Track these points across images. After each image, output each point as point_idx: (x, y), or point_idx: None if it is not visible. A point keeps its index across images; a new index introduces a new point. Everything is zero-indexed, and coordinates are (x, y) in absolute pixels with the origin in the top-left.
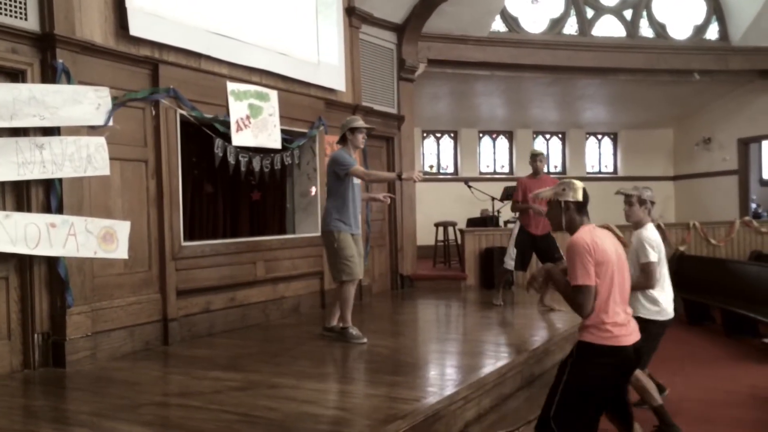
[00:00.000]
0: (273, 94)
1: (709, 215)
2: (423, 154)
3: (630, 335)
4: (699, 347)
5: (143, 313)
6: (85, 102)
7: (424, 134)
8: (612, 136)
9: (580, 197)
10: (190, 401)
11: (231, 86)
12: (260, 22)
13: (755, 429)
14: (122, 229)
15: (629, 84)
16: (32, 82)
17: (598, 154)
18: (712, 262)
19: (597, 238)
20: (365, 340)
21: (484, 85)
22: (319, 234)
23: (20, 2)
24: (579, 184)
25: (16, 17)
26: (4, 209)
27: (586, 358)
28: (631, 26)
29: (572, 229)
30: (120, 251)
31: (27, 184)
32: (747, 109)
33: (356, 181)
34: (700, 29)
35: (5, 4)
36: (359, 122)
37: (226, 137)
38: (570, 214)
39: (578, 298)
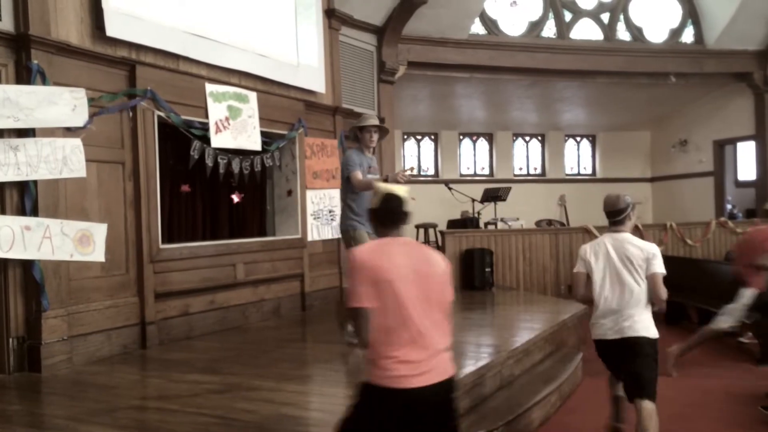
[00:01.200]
0: (252, 96)
1: (686, 216)
2: (403, 156)
3: (423, 375)
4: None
5: (120, 316)
6: (61, 103)
7: (405, 136)
8: (590, 138)
9: (374, 204)
10: (167, 404)
11: (209, 87)
12: (239, 23)
13: (731, 427)
14: (99, 231)
15: (607, 86)
16: (6, 83)
17: (577, 156)
18: (688, 263)
19: (375, 253)
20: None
21: (464, 88)
22: (299, 236)
23: None
24: (385, 189)
25: None
26: None
27: (363, 400)
28: (609, 29)
29: None
30: (97, 254)
31: (1, 186)
32: (722, 112)
33: (370, 177)
34: (676, 32)
35: None
36: (367, 120)
37: (205, 139)
38: (374, 223)
39: (355, 322)
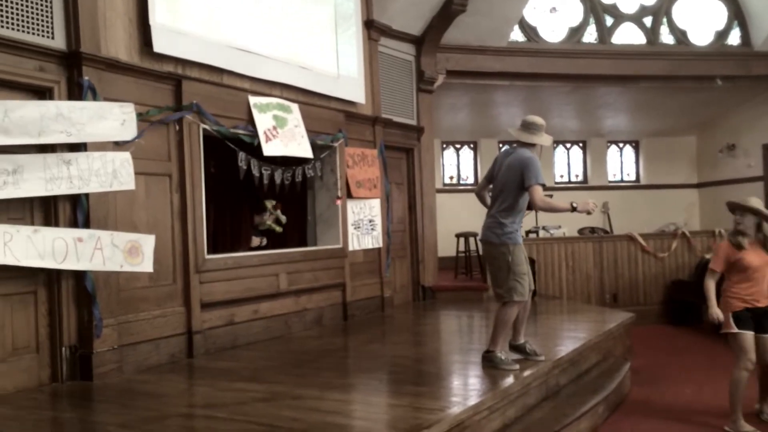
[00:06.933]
0: (294, 107)
1: None
2: (443, 165)
3: None
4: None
5: (168, 326)
6: (111, 118)
7: (444, 145)
8: (633, 144)
9: None
10: (215, 412)
11: (253, 99)
12: (280, 36)
13: None
14: (147, 242)
15: (650, 91)
16: (59, 99)
17: (620, 163)
18: None
19: None
20: (517, 366)
21: (504, 96)
22: (340, 246)
23: (47, 22)
24: None
25: (43, 36)
26: (33, 224)
27: None
28: (652, 33)
29: None
30: (145, 265)
31: (54, 199)
32: None
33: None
34: (722, 35)
35: (33, 23)
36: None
37: (250, 150)
38: None
39: None
